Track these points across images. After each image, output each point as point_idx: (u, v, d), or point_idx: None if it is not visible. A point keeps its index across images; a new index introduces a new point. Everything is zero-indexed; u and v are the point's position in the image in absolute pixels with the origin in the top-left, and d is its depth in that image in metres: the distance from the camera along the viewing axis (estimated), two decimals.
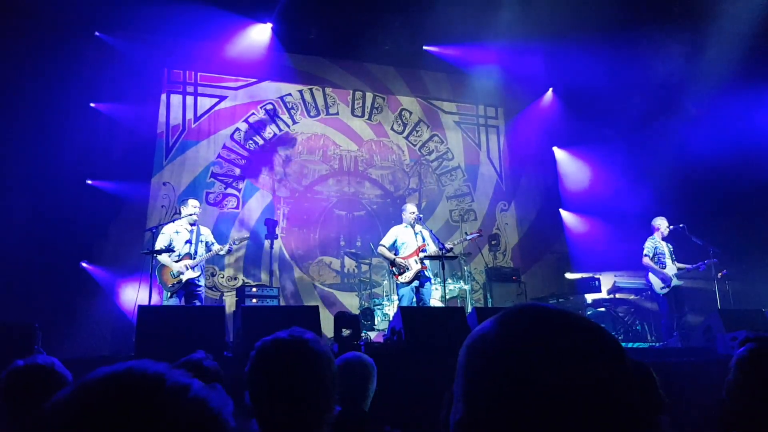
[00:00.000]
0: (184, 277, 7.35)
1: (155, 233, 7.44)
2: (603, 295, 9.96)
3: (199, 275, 7.54)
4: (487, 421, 0.72)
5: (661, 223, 8.70)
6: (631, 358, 0.78)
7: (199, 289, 7.52)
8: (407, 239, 8.02)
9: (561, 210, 12.11)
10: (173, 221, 7.72)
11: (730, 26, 9.26)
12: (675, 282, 8.44)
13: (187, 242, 7.51)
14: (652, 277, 8.62)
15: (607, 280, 10.18)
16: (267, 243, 10.00)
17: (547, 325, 0.75)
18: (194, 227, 7.66)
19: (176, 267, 7.34)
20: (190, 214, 7.60)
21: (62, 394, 0.65)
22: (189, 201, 7.76)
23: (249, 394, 1.66)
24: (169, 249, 7.36)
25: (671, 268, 8.50)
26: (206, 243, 7.67)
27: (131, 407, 0.62)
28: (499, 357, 0.74)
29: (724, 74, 9.32)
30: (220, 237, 8.50)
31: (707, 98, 9.66)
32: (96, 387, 0.65)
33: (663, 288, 8.48)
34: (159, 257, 7.31)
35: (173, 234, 7.52)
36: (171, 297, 7.38)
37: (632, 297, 9.78)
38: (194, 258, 7.46)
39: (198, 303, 7.45)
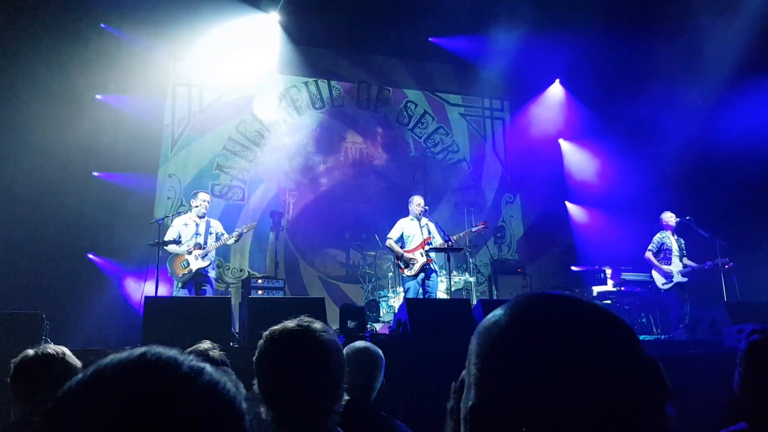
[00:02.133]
0: (193, 267, 7.37)
1: (162, 224, 7.48)
2: (609, 287, 9.94)
3: (209, 264, 7.56)
4: (500, 407, 0.72)
5: (669, 218, 8.69)
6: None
7: (208, 280, 7.54)
8: (413, 232, 8.03)
9: (567, 202, 12.09)
10: (182, 213, 7.75)
11: (740, 18, 9.19)
12: (678, 279, 8.43)
13: (196, 234, 7.54)
14: (654, 272, 8.64)
15: (612, 273, 10.16)
16: (272, 235, 10.02)
17: (559, 311, 0.75)
18: (204, 219, 7.68)
19: (185, 254, 7.38)
20: (198, 207, 7.63)
21: (78, 380, 0.66)
22: (199, 194, 7.78)
23: (258, 381, 1.67)
24: (176, 241, 7.39)
25: (677, 265, 8.49)
26: (216, 234, 7.69)
27: (148, 392, 0.63)
28: (511, 343, 0.74)
29: (732, 65, 9.26)
30: (226, 229, 8.52)
31: (716, 89, 9.59)
32: (112, 372, 0.65)
33: (665, 284, 8.50)
34: (168, 248, 7.35)
35: (182, 227, 7.56)
36: (182, 287, 7.41)
37: (638, 290, 9.76)
38: (204, 248, 7.49)
39: (209, 293, 7.48)
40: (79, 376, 0.66)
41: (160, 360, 0.67)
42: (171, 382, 0.65)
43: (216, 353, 2.83)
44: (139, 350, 0.68)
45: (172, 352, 0.68)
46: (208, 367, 0.69)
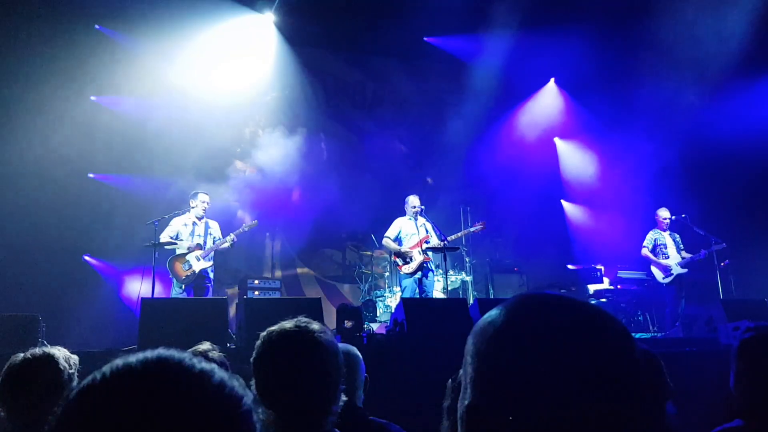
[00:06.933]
0: (196, 268, 7.31)
1: (158, 226, 7.44)
2: (605, 285, 9.96)
3: (211, 266, 7.51)
4: (496, 406, 0.73)
5: (662, 214, 8.74)
6: (639, 346, 0.78)
7: (208, 282, 7.49)
8: (411, 230, 8.03)
9: (562, 201, 12.11)
10: (182, 213, 7.68)
11: (735, 13, 9.22)
12: (678, 271, 8.48)
13: (195, 235, 7.49)
14: (653, 268, 8.68)
15: (608, 271, 10.18)
16: (268, 235, 10.00)
17: (555, 311, 0.76)
18: (203, 220, 7.63)
19: (188, 255, 7.32)
20: (197, 207, 7.58)
21: (91, 380, 0.66)
22: (199, 194, 7.70)
23: (255, 383, 1.67)
24: (173, 242, 7.34)
25: (675, 258, 8.54)
26: (214, 238, 7.64)
27: (164, 392, 0.64)
28: (507, 343, 0.75)
29: (728, 62, 9.28)
30: (223, 230, 8.51)
31: (711, 88, 9.61)
32: (126, 372, 0.66)
33: (665, 278, 8.55)
34: (168, 247, 7.30)
35: (181, 226, 7.51)
36: (182, 290, 7.34)
37: (634, 288, 9.79)
38: (204, 248, 7.44)
39: (210, 294, 7.43)
40: (92, 376, 0.67)
41: (174, 361, 0.68)
42: (185, 383, 0.66)
43: (215, 354, 2.84)
44: (151, 351, 0.69)
45: (183, 354, 0.70)
46: (217, 369, 0.70)
